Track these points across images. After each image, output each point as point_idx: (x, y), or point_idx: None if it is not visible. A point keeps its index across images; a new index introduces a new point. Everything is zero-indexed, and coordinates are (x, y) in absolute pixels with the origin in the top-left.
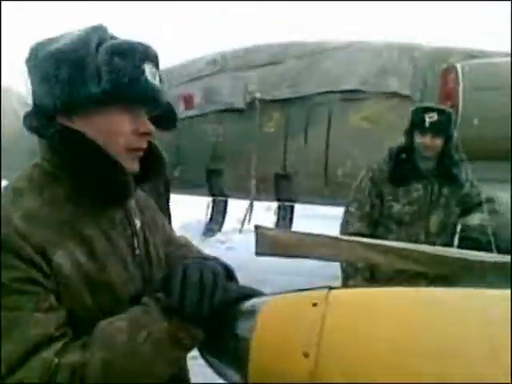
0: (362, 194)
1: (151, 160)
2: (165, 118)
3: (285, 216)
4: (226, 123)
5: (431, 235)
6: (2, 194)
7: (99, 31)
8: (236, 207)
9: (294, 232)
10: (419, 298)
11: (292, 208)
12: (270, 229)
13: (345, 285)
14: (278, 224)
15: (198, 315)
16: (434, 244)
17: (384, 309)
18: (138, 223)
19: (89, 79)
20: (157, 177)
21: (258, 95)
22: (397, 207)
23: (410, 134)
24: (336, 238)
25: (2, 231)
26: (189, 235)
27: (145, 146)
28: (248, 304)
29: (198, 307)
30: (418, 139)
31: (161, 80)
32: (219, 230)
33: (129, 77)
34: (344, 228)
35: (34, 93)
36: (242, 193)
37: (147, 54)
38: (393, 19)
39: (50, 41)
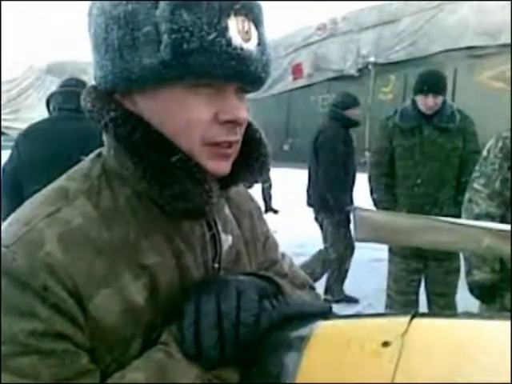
0: (490, 168)
1: (248, 152)
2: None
3: None
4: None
5: None
6: (39, 196)
7: None
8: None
9: (400, 214)
10: None
11: None
12: (371, 211)
13: (469, 277)
14: None
15: (223, 358)
16: None
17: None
18: (228, 240)
19: (143, 45)
20: (256, 176)
21: (371, 59)
22: None
23: None
24: (453, 222)
25: (26, 260)
26: (305, 211)
27: (233, 138)
28: (300, 330)
29: (220, 349)
30: None
31: (260, 41)
32: None
33: (200, 39)
34: (468, 209)
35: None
36: (356, 166)
37: (234, 3)
38: None
39: None
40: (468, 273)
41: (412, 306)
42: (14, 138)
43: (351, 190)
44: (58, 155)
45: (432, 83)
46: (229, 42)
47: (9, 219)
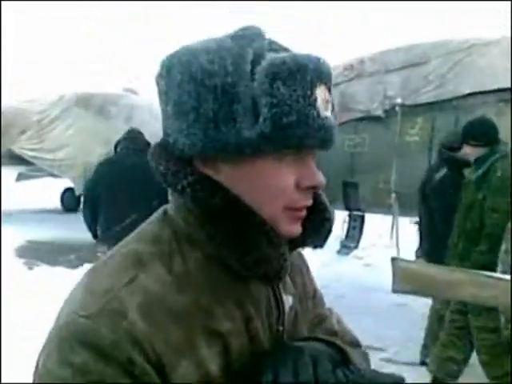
0: None
1: (314, 217)
2: None
3: None
4: (364, 132)
5: None
6: (111, 261)
7: (255, 40)
8: (376, 221)
9: (441, 267)
10: None
11: None
12: (409, 261)
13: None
14: None
15: None
16: None
17: None
18: (289, 301)
19: (241, 117)
20: (321, 241)
21: (398, 100)
22: None
23: None
24: (497, 278)
25: (110, 331)
26: (325, 252)
27: (309, 202)
28: None
29: None
30: None
31: (333, 108)
32: (356, 247)
33: (297, 112)
34: (504, 261)
35: (165, 123)
36: (381, 207)
37: (320, 73)
38: None
39: (190, 53)
40: (505, 325)
41: (452, 348)
42: (42, 168)
43: None
44: (122, 182)
45: (468, 133)
46: (318, 113)
47: (82, 287)
